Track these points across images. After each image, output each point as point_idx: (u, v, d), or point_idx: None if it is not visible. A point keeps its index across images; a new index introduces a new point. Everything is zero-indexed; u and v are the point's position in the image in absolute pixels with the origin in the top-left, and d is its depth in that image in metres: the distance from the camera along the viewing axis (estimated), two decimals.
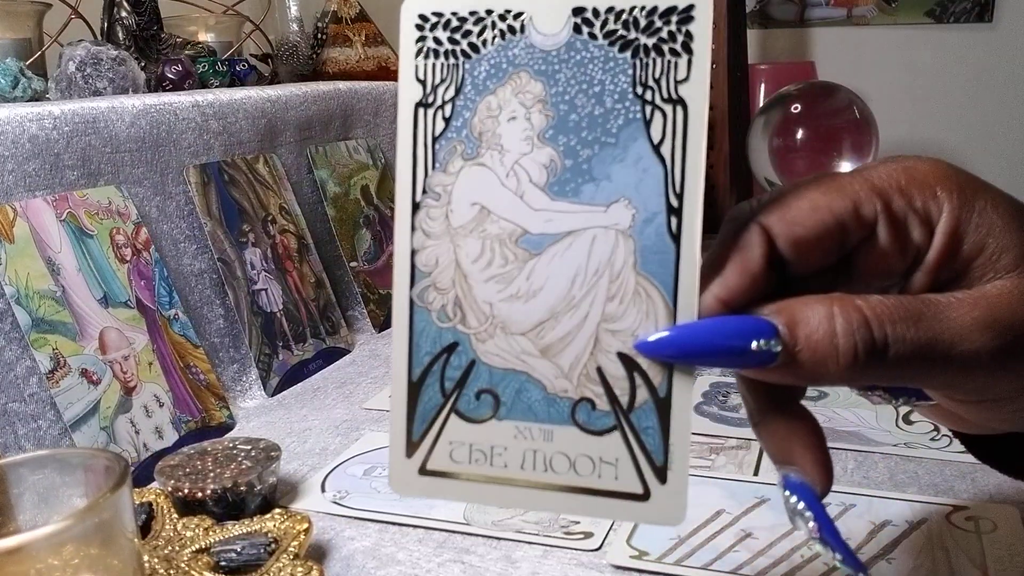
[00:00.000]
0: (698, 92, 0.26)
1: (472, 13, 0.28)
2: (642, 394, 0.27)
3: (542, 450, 0.28)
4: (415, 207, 0.28)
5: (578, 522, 0.44)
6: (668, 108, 0.27)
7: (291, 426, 0.59)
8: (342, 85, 0.86)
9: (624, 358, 0.27)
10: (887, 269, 0.28)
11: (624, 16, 0.27)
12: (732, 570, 0.39)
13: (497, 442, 0.28)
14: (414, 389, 0.28)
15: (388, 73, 0.92)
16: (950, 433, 0.51)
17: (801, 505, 0.27)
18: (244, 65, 0.82)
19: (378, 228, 0.84)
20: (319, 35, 0.91)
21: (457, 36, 0.28)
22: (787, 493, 0.27)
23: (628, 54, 0.27)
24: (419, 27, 0.29)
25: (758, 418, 0.29)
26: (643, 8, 0.27)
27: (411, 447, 0.28)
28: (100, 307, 0.54)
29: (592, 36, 0.27)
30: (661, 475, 0.28)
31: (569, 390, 0.28)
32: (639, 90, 0.27)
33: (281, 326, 0.68)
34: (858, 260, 0.28)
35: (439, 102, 0.28)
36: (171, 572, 0.39)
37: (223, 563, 0.39)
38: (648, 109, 0.27)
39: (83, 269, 0.54)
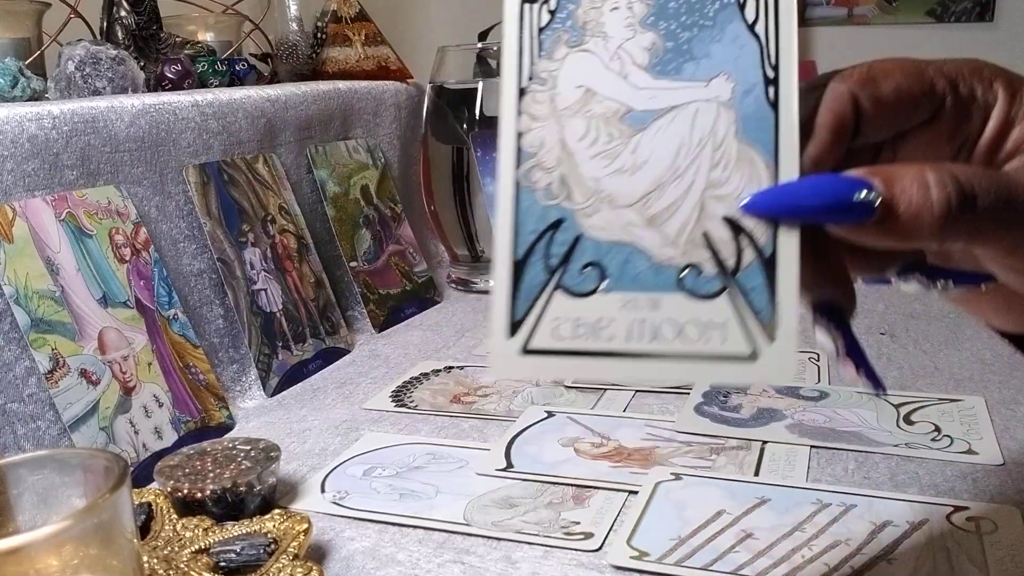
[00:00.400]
0: None
1: None
2: (748, 255, 0.28)
3: (649, 319, 0.28)
4: (521, 92, 0.29)
5: (578, 522, 0.44)
6: None
7: (291, 426, 0.59)
8: (342, 85, 0.85)
9: (730, 222, 0.28)
10: (937, 153, 0.32)
11: None
12: (732, 571, 0.39)
13: (603, 315, 0.29)
14: (518, 268, 0.29)
15: (388, 72, 0.92)
16: (951, 433, 0.52)
17: (831, 326, 0.29)
18: (243, 65, 0.82)
19: (378, 228, 0.84)
20: (319, 34, 0.91)
21: None
22: (818, 314, 0.29)
23: None
24: None
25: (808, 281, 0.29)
26: None
27: (513, 326, 0.29)
28: (99, 307, 0.54)
29: None
30: (769, 334, 0.28)
31: (675, 257, 0.28)
32: None
33: (281, 326, 0.68)
34: (912, 142, 0.32)
35: (551, 7, 0.30)
36: (170, 573, 0.39)
37: (222, 563, 0.39)
38: None
39: (82, 269, 0.54)
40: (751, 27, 0.29)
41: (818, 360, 0.65)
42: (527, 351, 0.29)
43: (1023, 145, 0.31)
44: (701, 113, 0.29)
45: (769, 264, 0.28)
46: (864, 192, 0.28)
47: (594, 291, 0.29)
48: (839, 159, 0.30)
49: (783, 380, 0.28)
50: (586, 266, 0.29)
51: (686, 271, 0.28)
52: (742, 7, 0.29)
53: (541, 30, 0.30)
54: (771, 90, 0.29)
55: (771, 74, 0.29)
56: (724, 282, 0.28)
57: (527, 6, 0.30)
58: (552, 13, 0.30)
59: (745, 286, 0.28)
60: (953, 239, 0.29)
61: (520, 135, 0.30)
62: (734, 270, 0.28)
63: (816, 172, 0.29)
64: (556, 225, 0.29)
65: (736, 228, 0.28)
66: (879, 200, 0.28)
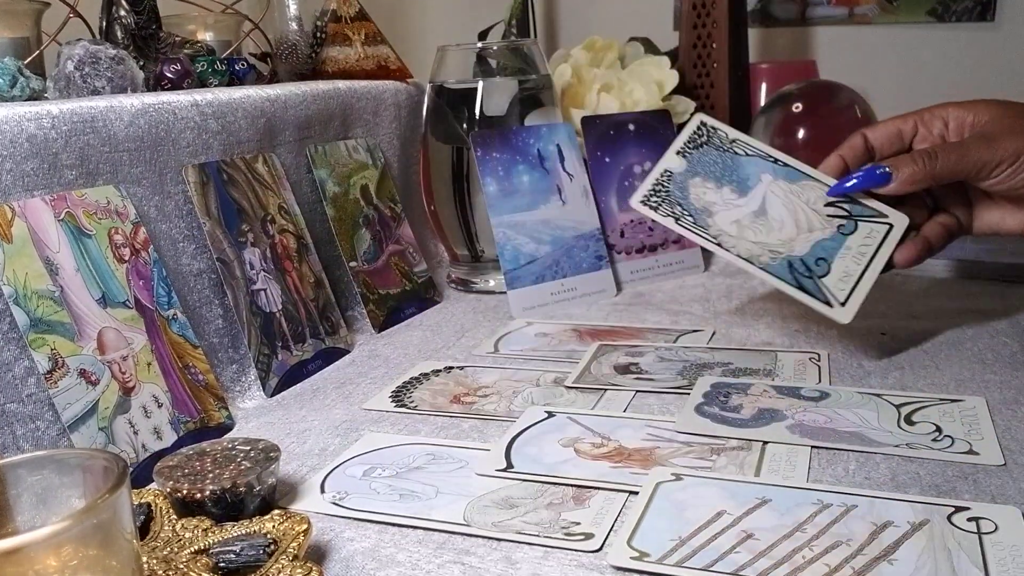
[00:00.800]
0: (725, 128, 0.69)
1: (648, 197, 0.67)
2: (847, 204, 0.64)
3: (854, 250, 0.62)
4: (718, 244, 0.63)
5: (579, 523, 0.44)
6: (728, 143, 0.68)
7: (290, 427, 0.59)
8: (341, 84, 0.85)
9: (829, 204, 0.65)
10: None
11: (690, 139, 0.69)
12: (733, 571, 0.39)
13: (845, 267, 0.62)
14: (801, 288, 0.61)
15: (388, 72, 0.92)
16: (952, 434, 0.51)
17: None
18: (243, 64, 0.82)
19: (377, 228, 0.84)
20: (318, 34, 0.90)
21: (658, 201, 0.66)
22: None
23: (703, 146, 0.68)
24: (648, 203, 0.66)
25: None
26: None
27: (828, 305, 0.60)
28: (99, 307, 0.53)
29: (690, 155, 0.67)
30: (890, 215, 0.64)
31: (833, 231, 0.63)
32: (723, 148, 0.67)
33: (280, 326, 0.68)
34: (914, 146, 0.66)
35: (686, 215, 0.64)
36: (170, 573, 0.39)
37: (222, 564, 0.39)
38: (731, 150, 0.68)
39: (81, 269, 0.53)
40: (747, 155, 0.67)
41: (818, 360, 0.65)
42: (842, 304, 0.60)
43: (973, 130, 0.63)
44: (773, 189, 0.65)
45: (862, 195, 0.64)
46: (884, 169, 0.62)
47: (831, 263, 0.61)
48: (856, 160, 0.65)
49: (905, 221, 0.64)
50: (816, 261, 0.62)
51: (842, 228, 0.63)
52: (737, 154, 0.67)
53: (695, 222, 0.64)
54: (779, 162, 0.67)
55: (772, 159, 0.67)
56: (854, 219, 0.64)
57: (679, 224, 0.64)
58: (691, 215, 0.64)
59: (863, 212, 0.64)
60: (938, 181, 0.62)
61: (739, 255, 0.62)
62: (849, 213, 0.64)
63: (842, 165, 0.65)
64: (790, 264, 0.62)
65: (832, 204, 0.64)
66: (889, 172, 0.61)
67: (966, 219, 0.65)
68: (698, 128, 0.68)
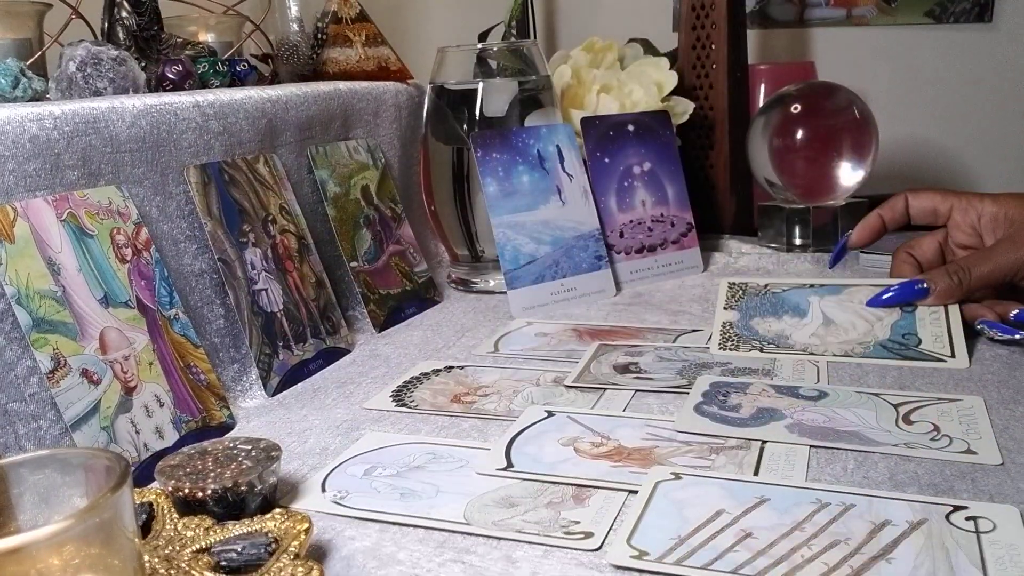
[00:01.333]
0: (751, 280, 0.77)
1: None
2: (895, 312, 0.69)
3: (931, 316, 0.67)
4: (811, 353, 0.66)
5: (578, 522, 0.44)
6: (762, 289, 0.75)
7: (291, 426, 0.59)
8: (342, 85, 0.86)
9: (867, 309, 0.70)
10: (962, 231, 0.71)
11: (727, 298, 0.74)
12: (732, 570, 0.39)
13: (932, 333, 0.66)
14: (910, 359, 0.64)
15: (388, 73, 0.92)
16: (950, 433, 0.52)
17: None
18: (244, 65, 0.82)
19: (378, 228, 0.84)
20: (319, 35, 0.91)
21: (735, 343, 0.69)
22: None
23: (743, 297, 0.74)
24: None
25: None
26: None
27: (942, 361, 0.63)
28: (100, 307, 0.54)
29: (736, 306, 0.73)
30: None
31: (897, 313, 0.68)
32: (761, 294, 0.74)
33: (281, 326, 0.68)
34: (952, 229, 0.72)
35: (766, 343, 0.68)
36: (171, 572, 0.39)
37: (223, 563, 0.39)
38: (768, 292, 0.74)
39: (83, 269, 0.54)
40: (784, 291, 0.73)
41: (817, 360, 0.65)
42: (952, 356, 0.64)
43: (1001, 229, 0.68)
44: (824, 305, 0.71)
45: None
46: (922, 284, 0.67)
47: (919, 335, 0.66)
48: (902, 224, 0.73)
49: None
50: (905, 337, 0.66)
51: (905, 309, 0.68)
52: (776, 292, 0.73)
53: (777, 347, 0.67)
54: (814, 285, 0.73)
55: (808, 285, 0.73)
56: (908, 313, 0.68)
57: (764, 353, 0.67)
58: (772, 343, 0.68)
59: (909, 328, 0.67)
60: (973, 293, 0.67)
61: (835, 355, 0.65)
62: (898, 324, 0.68)
63: (880, 224, 0.74)
64: (883, 347, 0.65)
65: (866, 313, 0.69)
66: (928, 287, 0.67)
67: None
68: (729, 288, 0.74)
